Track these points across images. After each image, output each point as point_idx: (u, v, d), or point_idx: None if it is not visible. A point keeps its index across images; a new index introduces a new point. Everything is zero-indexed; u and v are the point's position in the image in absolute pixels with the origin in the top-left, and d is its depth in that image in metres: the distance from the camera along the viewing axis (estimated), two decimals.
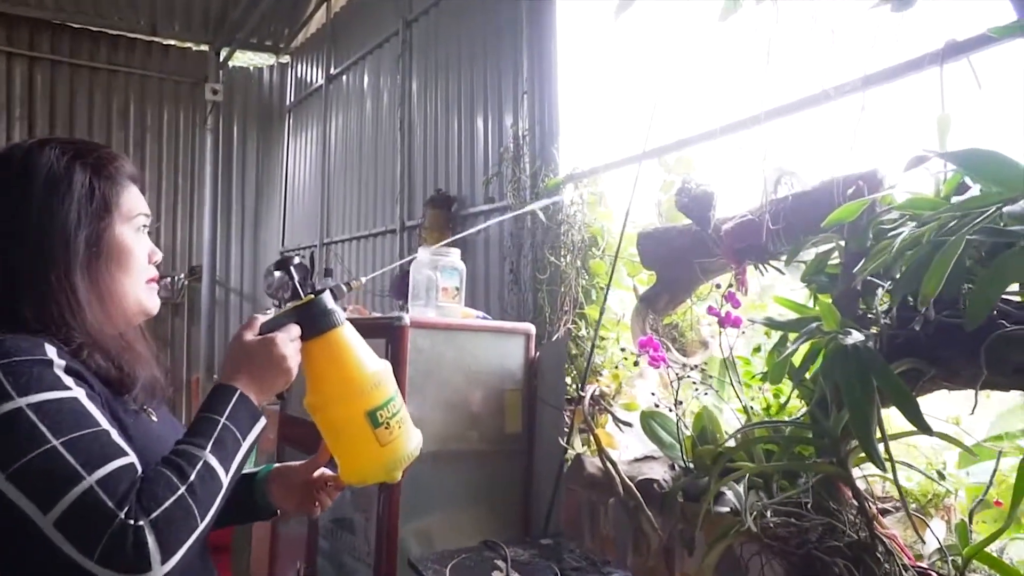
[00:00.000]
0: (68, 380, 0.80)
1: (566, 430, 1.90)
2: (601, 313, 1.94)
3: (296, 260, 1.03)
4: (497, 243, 2.97)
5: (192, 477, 0.77)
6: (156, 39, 5.20)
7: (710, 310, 1.47)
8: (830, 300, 1.30)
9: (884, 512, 1.42)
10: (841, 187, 1.38)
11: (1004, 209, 0.86)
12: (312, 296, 0.94)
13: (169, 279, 5.28)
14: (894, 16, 1.22)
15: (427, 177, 3.57)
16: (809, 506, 1.26)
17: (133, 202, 0.97)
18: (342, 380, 0.94)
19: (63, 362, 0.81)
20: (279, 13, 5.05)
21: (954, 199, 1.10)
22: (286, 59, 5.57)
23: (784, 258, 1.60)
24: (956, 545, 1.16)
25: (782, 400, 1.52)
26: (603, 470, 1.67)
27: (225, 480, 0.81)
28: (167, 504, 0.74)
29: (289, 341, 0.91)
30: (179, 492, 0.75)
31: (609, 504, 1.71)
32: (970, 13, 1.18)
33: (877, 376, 1.09)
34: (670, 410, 1.59)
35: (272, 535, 2.46)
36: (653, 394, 1.68)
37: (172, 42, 5.28)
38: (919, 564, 1.12)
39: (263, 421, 0.90)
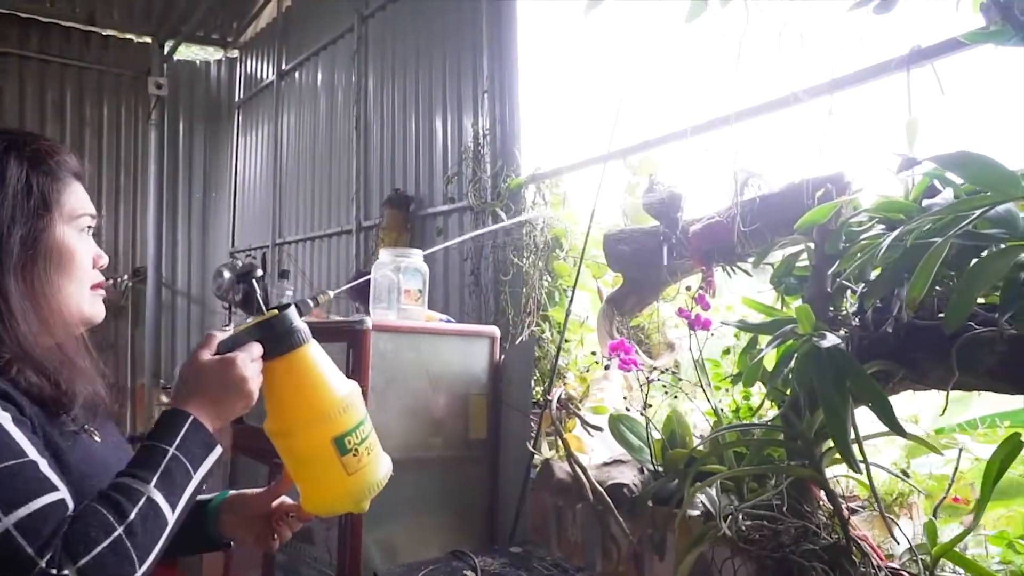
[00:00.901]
0: None
1: (533, 435, 1.88)
2: (567, 315, 1.92)
3: (259, 272, 0.96)
4: (457, 244, 2.92)
5: (132, 516, 0.69)
6: (94, 29, 4.95)
7: (680, 312, 1.46)
8: (801, 302, 1.31)
9: (851, 512, 1.43)
10: (810, 189, 1.39)
11: (990, 212, 0.86)
12: (276, 311, 0.87)
13: (112, 281, 5.04)
14: (863, 21, 1.23)
15: (384, 176, 3.49)
16: (784, 509, 1.26)
17: (76, 201, 0.89)
18: (307, 404, 0.87)
19: None
20: (226, 6, 4.88)
21: (924, 202, 1.11)
22: (235, 53, 5.39)
23: (752, 260, 1.61)
24: (925, 544, 1.18)
25: (751, 402, 1.52)
26: (572, 475, 1.64)
27: (171, 518, 0.73)
28: (99, 549, 0.66)
29: (250, 361, 0.83)
30: (115, 534, 0.67)
31: (577, 510, 1.69)
32: (936, 19, 1.20)
33: (852, 379, 1.10)
34: (641, 413, 1.58)
35: (225, 553, 2.36)
36: (625, 398, 1.66)
37: (112, 32, 5.04)
38: (891, 565, 1.13)
39: (218, 450, 0.82)
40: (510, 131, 2.65)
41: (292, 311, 0.88)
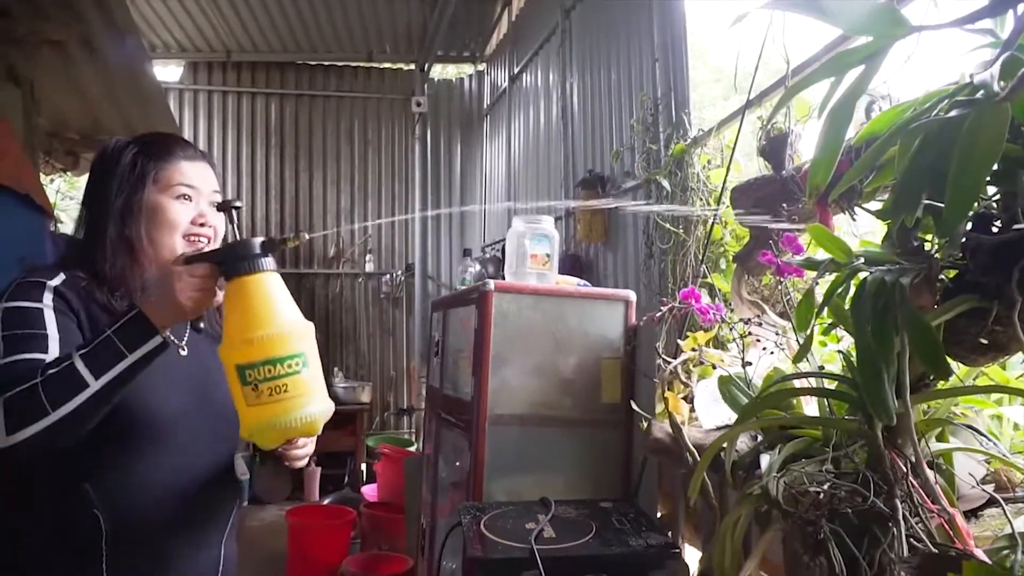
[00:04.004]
0: (47, 298, 1.02)
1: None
2: (696, 275, 1.82)
3: (237, 203, 1.10)
4: (644, 218, 2.90)
5: (51, 372, 0.92)
6: (373, 65, 5.92)
7: (763, 256, 1.31)
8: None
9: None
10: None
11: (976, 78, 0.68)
12: (238, 239, 1.00)
13: (389, 276, 5.97)
14: None
15: (585, 160, 3.60)
16: (859, 477, 1.08)
17: (171, 174, 1.15)
18: (230, 325, 0.96)
19: (56, 285, 1.04)
20: (470, 24, 5.44)
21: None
22: (482, 66, 5.97)
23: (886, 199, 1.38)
24: None
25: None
26: (672, 436, 1.57)
27: (93, 381, 0.93)
28: (18, 390, 0.90)
29: (189, 276, 0.98)
30: (32, 383, 0.91)
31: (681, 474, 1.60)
32: None
33: (901, 316, 0.91)
34: (743, 370, 1.45)
35: (433, 493, 2.69)
36: (748, 363, 1.52)
37: (385, 65, 5.97)
38: (961, 547, 0.90)
39: (156, 340, 0.97)
40: (681, 97, 2.56)
41: (254, 242, 0.99)
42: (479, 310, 1.89)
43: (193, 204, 1.18)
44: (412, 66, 5.92)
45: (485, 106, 5.85)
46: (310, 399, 0.97)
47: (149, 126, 4.56)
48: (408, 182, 5.99)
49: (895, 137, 0.82)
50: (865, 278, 0.99)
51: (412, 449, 4.71)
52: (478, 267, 2.96)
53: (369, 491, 4.23)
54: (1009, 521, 0.96)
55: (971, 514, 1.13)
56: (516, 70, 4.88)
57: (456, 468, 2.18)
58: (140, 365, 0.98)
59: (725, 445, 1.19)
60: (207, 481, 1.16)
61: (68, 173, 5.00)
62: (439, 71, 6.03)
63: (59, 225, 4.63)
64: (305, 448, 1.16)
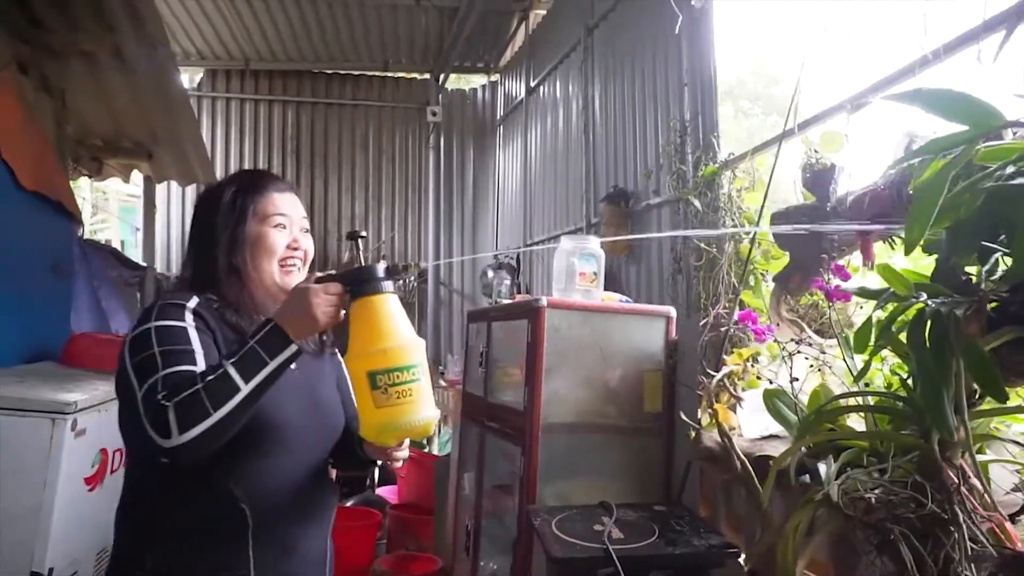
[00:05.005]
0: (188, 317, 1.15)
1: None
2: (736, 296, 1.95)
3: (363, 233, 1.22)
4: (669, 237, 3.02)
5: (209, 378, 1.04)
6: (388, 74, 6.02)
7: (815, 282, 1.44)
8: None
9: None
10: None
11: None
12: (364, 265, 1.12)
13: (400, 282, 6.07)
14: None
15: (608, 175, 3.72)
16: (911, 483, 1.21)
17: (267, 206, 1.28)
18: (359, 338, 1.08)
19: (193, 307, 1.17)
20: (485, 36, 5.55)
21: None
22: (496, 77, 6.08)
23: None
24: None
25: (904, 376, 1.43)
26: (721, 444, 1.70)
27: (244, 385, 1.05)
28: (184, 395, 1.02)
29: (324, 293, 1.10)
30: (195, 388, 1.03)
31: (727, 480, 1.73)
32: None
33: (957, 343, 1.04)
34: (790, 386, 1.57)
35: (456, 499, 2.81)
36: (796, 379, 1.65)
37: (400, 75, 6.08)
38: (1012, 547, 1.03)
39: (292, 348, 1.10)
40: (709, 120, 2.69)
41: (378, 267, 1.12)
42: (531, 325, 2.01)
43: (287, 231, 1.30)
44: (427, 76, 6.03)
45: (499, 116, 5.97)
46: (427, 403, 1.11)
47: (173, 134, 4.65)
48: (422, 190, 6.10)
49: (964, 192, 0.95)
50: (922, 309, 1.12)
51: (426, 451, 4.82)
52: (508, 279, 3.07)
53: (386, 493, 4.33)
54: None
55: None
56: (534, 83, 5.00)
57: (502, 472, 2.30)
58: (279, 371, 1.10)
59: (788, 460, 1.31)
60: (315, 480, 1.29)
61: (91, 179, 5.08)
62: (454, 81, 6.13)
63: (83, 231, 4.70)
64: (405, 451, 1.28)
